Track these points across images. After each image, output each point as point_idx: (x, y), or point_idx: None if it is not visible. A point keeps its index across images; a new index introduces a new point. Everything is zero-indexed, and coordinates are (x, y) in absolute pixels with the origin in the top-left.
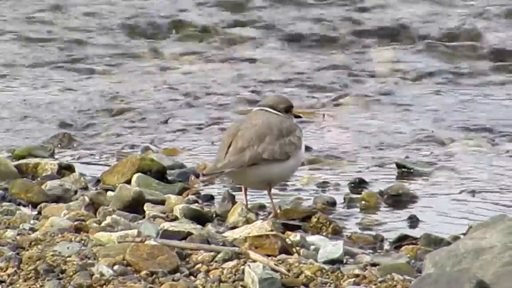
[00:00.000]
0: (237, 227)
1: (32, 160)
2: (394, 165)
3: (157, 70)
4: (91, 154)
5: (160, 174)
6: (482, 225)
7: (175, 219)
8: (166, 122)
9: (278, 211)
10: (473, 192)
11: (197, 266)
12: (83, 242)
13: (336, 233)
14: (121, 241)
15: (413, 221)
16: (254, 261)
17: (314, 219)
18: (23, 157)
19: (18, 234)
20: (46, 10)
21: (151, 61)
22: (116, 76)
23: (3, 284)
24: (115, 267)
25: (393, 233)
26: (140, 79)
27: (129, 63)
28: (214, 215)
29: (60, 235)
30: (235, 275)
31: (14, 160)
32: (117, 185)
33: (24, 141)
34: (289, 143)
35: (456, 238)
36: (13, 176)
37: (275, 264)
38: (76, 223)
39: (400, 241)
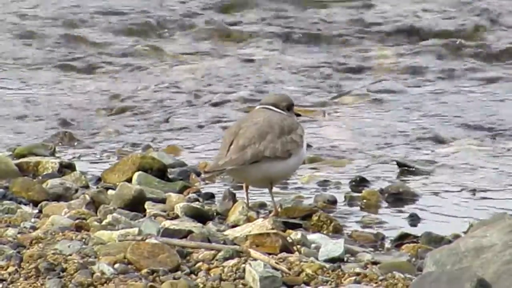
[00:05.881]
0: (238, 225)
1: (33, 159)
2: (395, 164)
3: (157, 68)
4: (92, 153)
5: (161, 172)
6: (483, 224)
7: (176, 217)
8: (167, 120)
9: (279, 209)
10: (473, 191)
11: (198, 264)
12: (84, 240)
13: (337, 231)
14: (122, 239)
15: (414, 220)
16: (255, 259)
17: (315, 218)
18: (24, 156)
19: (19, 233)
20: (46, 9)
21: (152, 59)
22: (116, 74)
23: (4, 282)
24: (116, 265)
25: (394, 231)
26: (141, 77)
27: (129, 61)
28: (214, 214)
29: (61, 234)
30: (236, 273)
31: (15, 158)
32: (118, 183)
33: (25, 139)
34: (290, 141)
35: (456, 236)
36: (14, 175)
37: (276, 263)
38: (77, 221)
39: (401, 240)
